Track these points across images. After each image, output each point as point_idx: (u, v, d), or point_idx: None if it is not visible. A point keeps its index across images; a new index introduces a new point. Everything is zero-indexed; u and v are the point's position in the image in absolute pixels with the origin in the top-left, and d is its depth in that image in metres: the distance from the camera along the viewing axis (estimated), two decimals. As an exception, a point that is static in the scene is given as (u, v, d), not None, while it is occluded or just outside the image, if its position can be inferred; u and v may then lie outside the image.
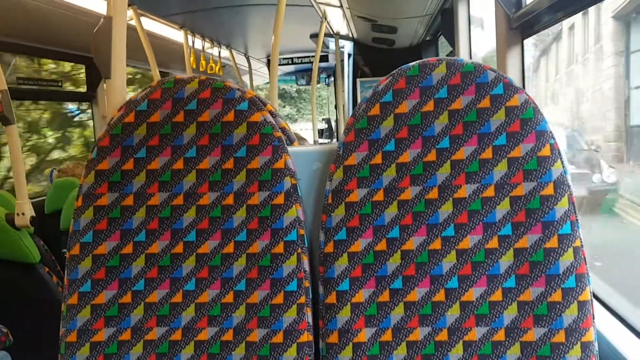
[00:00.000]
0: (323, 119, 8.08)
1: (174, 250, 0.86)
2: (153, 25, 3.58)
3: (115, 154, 0.88)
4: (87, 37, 1.00)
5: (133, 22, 3.05)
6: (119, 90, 0.95)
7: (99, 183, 0.87)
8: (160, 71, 3.66)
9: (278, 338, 0.82)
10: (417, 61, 0.86)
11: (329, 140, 6.90)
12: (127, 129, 0.88)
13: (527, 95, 0.82)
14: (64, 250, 0.97)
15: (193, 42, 4.01)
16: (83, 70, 3.84)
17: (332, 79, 6.63)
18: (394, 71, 0.86)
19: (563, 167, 0.81)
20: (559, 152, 0.81)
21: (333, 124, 6.97)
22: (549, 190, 0.80)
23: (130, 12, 2.96)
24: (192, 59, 3.93)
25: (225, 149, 0.87)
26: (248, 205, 0.86)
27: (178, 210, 0.87)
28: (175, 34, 3.95)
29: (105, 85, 0.96)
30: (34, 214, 1.97)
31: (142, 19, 3.16)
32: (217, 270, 0.85)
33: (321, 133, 7.14)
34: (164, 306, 0.85)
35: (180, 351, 0.83)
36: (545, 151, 0.81)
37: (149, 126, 0.88)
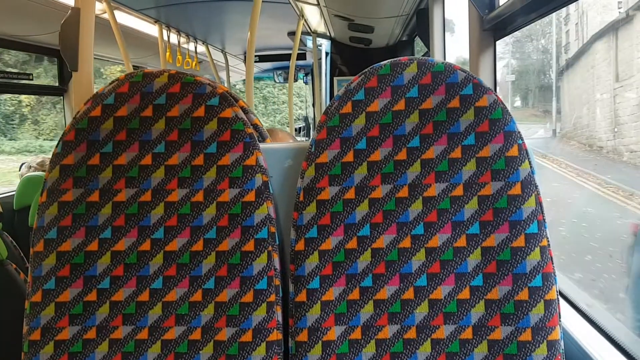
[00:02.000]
0: (300, 117, 8.08)
1: (141, 248, 0.84)
2: (127, 18, 3.53)
3: (80, 148, 0.86)
4: (59, 29, 0.98)
5: (107, 16, 3.00)
6: (86, 83, 0.93)
7: (63, 178, 0.86)
8: (134, 66, 3.61)
9: (247, 337, 0.82)
10: (389, 60, 0.86)
11: (306, 138, 6.91)
12: (93, 123, 0.86)
13: (496, 95, 0.83)
14: None
15: (168, 37, 3.96)
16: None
17: (310, 77, 6.63)
18: (366, 69, 0.86)
19: (531, 167, 0.82)
20: (527, 153, 0.82)
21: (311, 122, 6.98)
22: (516, 190, 0.81)
23: (103, 5, 2.91)
24: (168, 54, 3.88)
25: (195, 145, 0.86)
26: (218, 202, 0.85)
27: (146, 207, 0.85)
28: (150, 29, 3.90)
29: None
30: (1, 210, 1.92)
31: (116, 12, 3.11)
32: (185, 268, 0.84)
33: (299, 131, 7.14)
34: (130, 305, 0.83)
35: (147, 350, 0.82)
36: (513, 151, 0.82)
37: (116, 120, 0.86)
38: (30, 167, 2.95)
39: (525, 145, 0.82)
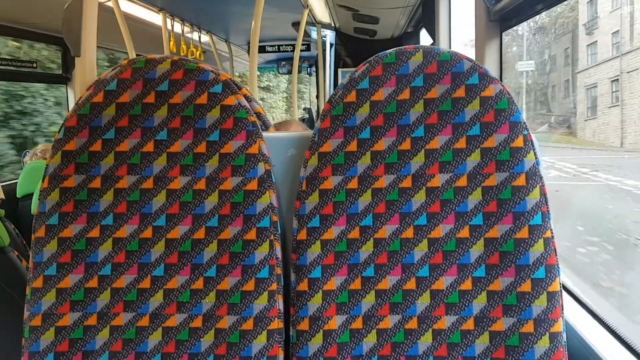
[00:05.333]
0: (304, 109, 8.08)
1: (142, 235, 0.84)
2: (131, 7, 3.51)
3: (82, 134, 0.86)
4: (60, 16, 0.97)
5: (110, 4, 2.98)
6: (89, 68, 0.92)
7: (65, 164, 0.85)
8: (137, 54, 3.60)
9: (248, 325, 0.82)
10: (394, 48, 0.86)
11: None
12: (95, 109, 0.86)
13: (502, 85, 0.82)
14: None
15: (172, 26, 3.94)
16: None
17: (314, 68, 6.62)
18: (371, 58, 0.85)
19: (536, 158, 0.81)
20: (532, 144, 0.81)
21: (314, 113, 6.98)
22: (520, 181, 0.80)
23: None
24: (171, 43, 3.87)
25: (197, 132, 0.85)
26: (220, 191, 0.84)
27: (147, 194, 0.85)
28: (154, 17, 3.88)
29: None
30: (3, 197, 1.92)
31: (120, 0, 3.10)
32: (187, 256, 0.83)
33: (302, 122, 7.12)
34: (131, 291, 0.83)
35: (148, 337, 0.82)
36: (519, 142, 0.81)
37: (119, 107, 0.86)
38: (34, 154, 2.95)
39: (530, 136, 0.81)
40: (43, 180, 0.85)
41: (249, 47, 5.98)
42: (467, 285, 0.80)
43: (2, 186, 2.39)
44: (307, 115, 7.43)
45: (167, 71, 0.86)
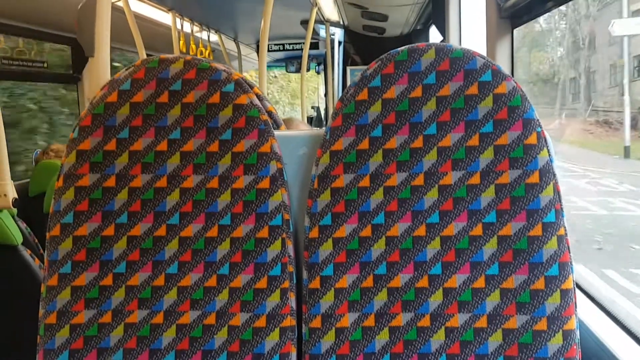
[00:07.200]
0: (312, 107, 8.10)
1: (156, 233, 0.85)
2: (141, 7, 3.53)
3: (97, 133, 0.86)
4: (73, 18, 0.98)
5: (120, 4, 3.00)
6: (102, 68, 0.93)
7: (80, 163, 0.86)
8: (147, 54, 3.62)
9: (261, 322, 0.82)
10: (406, 46, 0.85)
11: (318, 128, 6.90)
12: (109, 109, 0.87)
13: (515, 82, 0.82)
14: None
15: (182, 26, 3.96)
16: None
17: (323, 66, 6.63)
18: (383, 55, 0.85)
19: (549, 155, 0.81)
20: (546, 141, 0.81)
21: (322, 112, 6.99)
22: (534, 178, 0.80)
23: None
24: (181, 42, 3.89)
25: (210, 131, 0.86)
26: (233, 189, 0.85)
27: (161, 192, 0.85)
28: (164, 17, 3.90)
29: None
30: (16, 196, 1.94)
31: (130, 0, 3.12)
32: (200, 254, 0.84)
33: (310, 121, 7.14)
34: (145, 289, 0.84)
35: (162, 334, 0.83)
36: (532, 139, 0.81)
37: (132, 106, 0.87)
38: (45, 153, 2.98)
39: (544, 132, 0.81)
40: (58, 179, 0.86)
41: (257, 45, 6.00)
42: (480, 283, 0.80)
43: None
44: (315, 114, 7.44)
45: (180, 71, 0.87)
